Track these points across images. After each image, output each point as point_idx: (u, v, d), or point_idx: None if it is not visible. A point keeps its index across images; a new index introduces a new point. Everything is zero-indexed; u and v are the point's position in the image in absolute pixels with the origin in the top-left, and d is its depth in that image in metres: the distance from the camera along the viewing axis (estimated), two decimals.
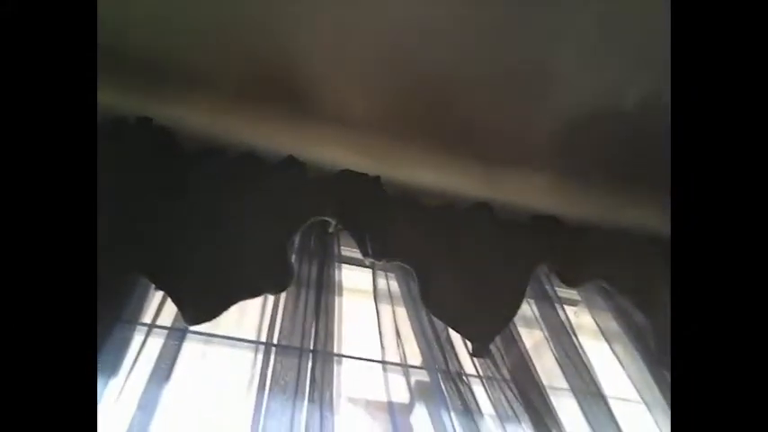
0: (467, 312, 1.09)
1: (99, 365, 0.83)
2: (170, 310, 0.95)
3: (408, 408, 1.01)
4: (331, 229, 1.15)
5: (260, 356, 0.96)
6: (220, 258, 1.00)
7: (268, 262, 1.03)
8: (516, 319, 1.12)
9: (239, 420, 0.87)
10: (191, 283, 0.95)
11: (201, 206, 1.05)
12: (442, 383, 1.02)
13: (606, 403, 1.05)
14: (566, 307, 1.19)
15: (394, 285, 1.14)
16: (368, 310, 1.09)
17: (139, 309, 0.96)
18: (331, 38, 1.04)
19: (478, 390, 1.03)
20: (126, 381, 0.87)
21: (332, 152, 1.21)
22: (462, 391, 1.01)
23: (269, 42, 1.06)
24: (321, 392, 0.93)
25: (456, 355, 1.06)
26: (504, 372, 1.05)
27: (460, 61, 1.08)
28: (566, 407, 1.04)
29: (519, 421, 1.00)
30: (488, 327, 1.09)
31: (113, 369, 0.87)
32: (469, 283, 1.13)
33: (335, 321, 1.04)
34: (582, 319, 1.21)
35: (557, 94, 1.15)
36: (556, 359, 1.10)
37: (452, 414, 0.98)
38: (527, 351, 1.09)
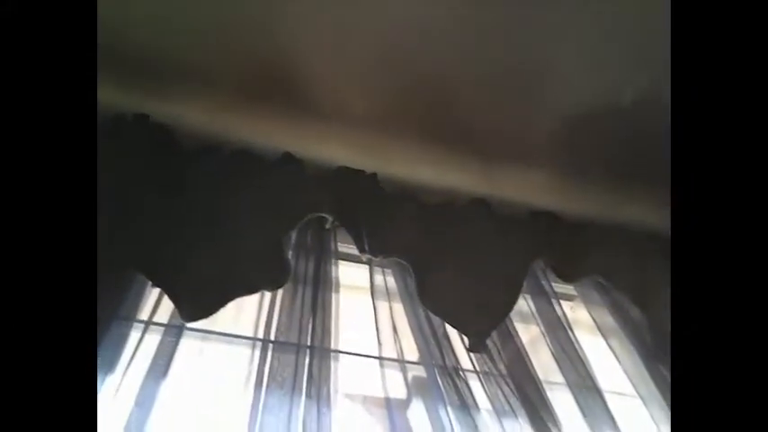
0: (463, 308, 1.09)
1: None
2: (167, 306, 0.95)
3: (405, 403, 1.02)
4: (328, 226, 1.15)
5: (257, 353, 0.96)
6: (217, 255, 1.00)
7: (265, 259, 1.03)
8: (513, 315, 1.12)
9: (237, 417, 0.88)
10: (188, 279, 0.95)
11: (199, 203, 1.05)
12: (438, 379, 1.02)
13: (602, 397, 1.06)
14: (562, 302, 1.19)
15: (391, 281, 1.15)
16: (365, 307, 1.10)
17: (136, 305, 0.96)
18: (329, 35, 1.04)
19: (475, 385, 1.03)
20: (123, 377, 0.87)
21: (329, 149, 1.21)
22: (459, 386, 1.02)
23: (267, 40, 1.05)
24: (318, 388, 0.94)
25: (453, 350, 1.07)
26: (501, 367, 1.06)
27: (458, 59, 1.08)
28: (562, 401, 1.05)
29: (516, 416, 1.01)
30: (485, 322, 1.09)
31: (110, 366, 0.87)
32: (466, 278, 1.13)
33: (332, 318, 1.04)
34: (578, 314, 1.21)
35: (555, 92, 1.15)
36: (552, 354, 1.11)
37: (449, 409, 0.98)
38: (523, 346, 1.10)
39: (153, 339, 0.93)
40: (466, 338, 1.07)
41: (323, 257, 1.12)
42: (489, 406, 1.01)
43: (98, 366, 0.84)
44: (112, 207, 0.95)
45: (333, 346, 1.00)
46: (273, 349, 0.97)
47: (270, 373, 0.93)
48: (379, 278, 1.15)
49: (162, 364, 0.90)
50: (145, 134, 1.08)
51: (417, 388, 1.02)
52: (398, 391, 1.01)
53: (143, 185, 1.03)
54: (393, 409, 0.98)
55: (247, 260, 1.02)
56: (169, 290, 0.94)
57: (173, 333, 0.94)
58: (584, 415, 1.04)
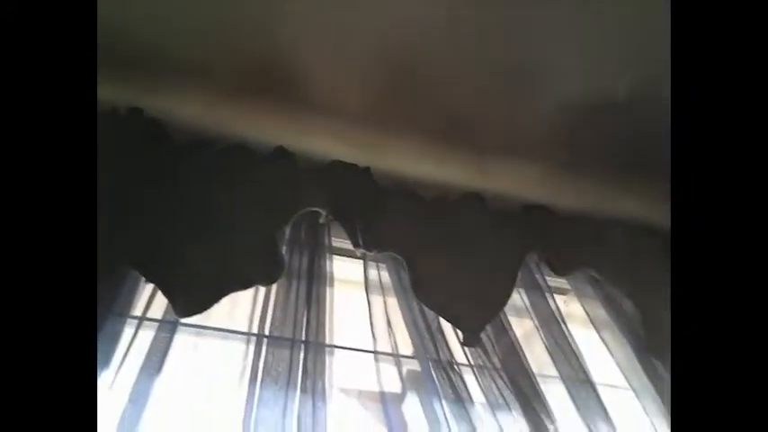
0: (457, 302, 1.09)
1: None
2: (161, 302, 0.95)
3: (400, 397, 1.02)
4: (322, 220, 1.15)
5: (251, 348, 0.96)
6: (211, 250, 1.00)
7: (259, 253, 1.03)
8: (506, 309, 1.12)
9: (231, 412, 0.88)
10: (181, 275, 0.95)
11: (192, 198, 1.05)
12: (433, 372, 1.02)
13: (595, 390, 1.07)
14: (555, 296, 1.20)
15: (385, 276, 1.15)
16: (359, 301, 1.10)
17: (130, 301, 0.96)
18: (322, 29, 1.04)
19: (469, 378, 1.04)
20: (117, 373, 0.87)
21: (322, 143, 1.21)
22: (453, 379, 1.02)
23: (260, 34, 1.05)
24: (313, 383, 0.94)
25: (447, 344, 1.07)
26: (495, 360, 1.06)
27: (452, 52, 1.08)
28: (555, 394, 1.06)
29: (509, 409, 1.01)
30: (479, 316, 1.09)
31: (105, 362, 0.87)
32: (460, 272, 1.13)
33: (327, 312, 1.04)
34: (571, 307, 1.22)
35: (549, 86, 1.15)
36: (546, 347, 1.11)
37: (444, 403, 0.99)
38: (517, 340, 1.10)
39: (147, 335, 0.92)
40: (460, 332, 1.07)
41: (317, 252, 1.12)
42: (483, 399, 1.02)
43: None
44: (106, 202, 0.94)
45: (327, 341, 1.00)
46: (268, 344, 0.96)
47: (264, 367, 0.93)
48: (373, 272, 1.15)
49: (156, 359, 0.90)
50: (138, 129, 1.08)
51: (412, 382, 1.03)
52: (393, 385, 1.01)
53: (136, 180, 1.02)
54: (388, 402, 0.98)
55: (241, 255, 1.01)
56: (163, 285, 0.94)
57: (167, 329, 0.94)
58: (578, 407, 1.05)
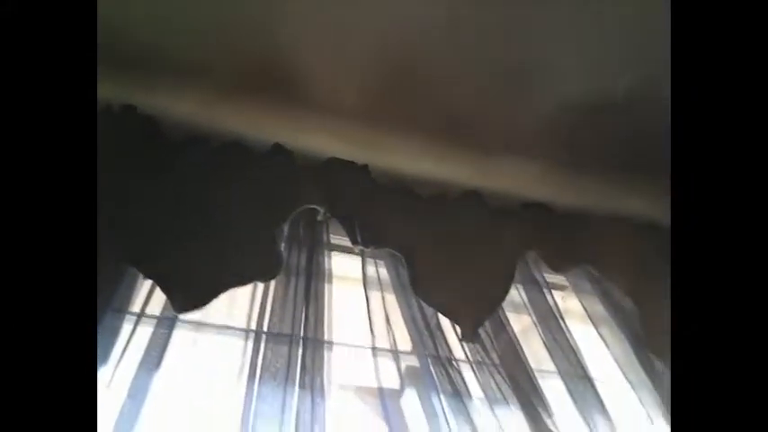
0: (456, 298, 1.10)
1: None
2: (159, 298, 0.95)
3: (399, 393, 1.02)
4: (320, 217, 1.15)
5: (250, 344, 0.97)
6: (209, 247, 1.00)
7: (257, 250, 1.03)
8: (505, 305, 1.13)
9: (230, 408, 0.88)
10: (180, 271, 0.95)
11: (190, 195, 1.05)
12: (431, 368, 1.02)
13: (593, 385, 1.07)
14: (553, 292, 1.20)
15: (383, 272, 1.15)
16: (357, 297, 1.10)
17: (128, 297, 0.96)
18: (319, 27, 1.04)
19: (468, 374, 1.04)
20: (116, 369, 0.87)
21: (320, 140, 1.21)
22: (452, 375, 1.02)
23: (257, 32, 1.05)
24: (312, 379, 0.94)
25: (445, 340, 1.07)
26: (494, 356, 1.07)
27: (451, 51, 1.08)
28: (553, 389, 1.06)
29: (508, 404, 1.02)
30: (477, 312, 1.10)
31: (103, 358, 0.87)
32: (458, 269, 1.14)
33: (325, 308, 1.04)
34: (569, 303, 1.22)
35: (549, 85, 1.15)
36: (544, 343, 1.12)
37: (442, 398, 0.99)
38: (515, 335, 1.10)
39: (145, 331, 0.92)
40: (458, 328, 1.07)
41: (315, 249, 1.12)
42: (482, 394, 1.02)
43: None
44: (103, 199, 0.94)
45: (326, 337, 1.00)
46: (266, 340, 0.97)
47: (263, 364, 0.93)
48: (371, 269, 1.15)
49: (155, 355, 0.90)
50: (133, 126, 1.08)
51: (410, 377, 1.03)
52: (392, 380, 1.01)
53: (134, 178, 1.02)
54: (386, 398, 0.98)
55: (239, 252, 1.01)
56: (161, 282, 0.94)
57: (165, 325, 0.94)
58: (575, 402, 1.05)
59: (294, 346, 0.97)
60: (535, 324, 1.15)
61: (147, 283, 0.96)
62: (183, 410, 0.92)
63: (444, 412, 0.97)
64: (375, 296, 1.11)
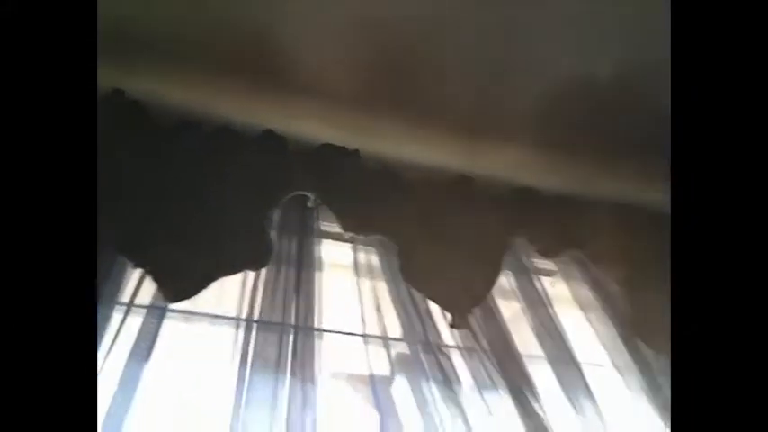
0: (446, 285, 1.10)
1: None
2: (149, 288, 0.94)
3: (389, 379, 1.03)
4: (310, 204, 1.14)
5: (241, 333, 0.96)
6: (199, 235, 0.99)
7: (247, 238, 1.03)
8: (494, 291, 1.13)
9: (221, 397, 0.88)
10: (169, 260, 0.94)
11: (179, 182, 1.03)
12: (422, 355, 1.03)
13: (580, 370, 1.09)
14: (542, 277, 1.21)
15: (374, 259, 1.15)
16: (348, 285, 1.10)
17: (118, 287, 0.95)
18: (312, 11, 1.02)
19: (458, 360, 1.05)
20: (106, 359, 0.86)
21: (311, 126, 1.20)
22: (442, 361, 1.03)
23: (249, 16, 1.03)
24: (303, 367, 0.94)
25: (435, 326, 1.08)
26: (483, 342, 1.07)
27: (441, 37, 1.07)
28: (542, 374, 1.07)
29: (497, 389, 1.03)
30: (467, 299, 1.10)
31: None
32: (448, 255, 1.14)
33: (316, 296, 1.04)
34: (558, 288, 1.23)
35: (536, 68, 1.15)
36: (532, 329, 1.13)
37: (432, 384, 1.00)
38: (505, 322, 1.11)
39: (135, 321, 0.92)
40: (448, 315, 1.08)
41: (305, 236, 1.12)
42: (471, 380, 1.03)
43: None
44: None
45: (316, 325, 1.01)
46: (257, 329, 0.97)
47: (254, 352, 0.94)
48: (362, 256, 1.15)
49: (145, 345, 0.89)
50: (122, 110, 1.06)
51: (401, 364, 1.04)
52: (382, 367, 1.02)
53: (122, 164, 1.01)
54: (377, 385, 0.99)
55: (229, 240, 1.01)
56: (151, 271, 0.93)
57: (155, 314, 0.94)
58: (563, 387, 1.07)
59: (285, 335, 0.97)
60: (524, 310, 1.15)
61: (137, 273, 0.95)
62: (174, 400, 0.92)
63: (434, 399, 0.98)
64: (365, 283, 1.11)
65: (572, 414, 1.04)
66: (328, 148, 1.17)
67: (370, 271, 1.13)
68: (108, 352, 0.88)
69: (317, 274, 1.07)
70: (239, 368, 0.91)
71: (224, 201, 1.04)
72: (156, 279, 0.93)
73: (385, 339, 1.05)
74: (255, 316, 0.98)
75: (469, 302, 1.10)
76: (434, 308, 1.09)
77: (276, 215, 1.11)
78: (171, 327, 0.95)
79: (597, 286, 1.22)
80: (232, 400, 0.88)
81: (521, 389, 1.03)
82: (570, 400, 1.06)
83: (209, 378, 0.93)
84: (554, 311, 1.15)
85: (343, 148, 1.18)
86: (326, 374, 0.99)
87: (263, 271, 1.03)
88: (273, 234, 1.08)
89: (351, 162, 1.17)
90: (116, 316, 0.92)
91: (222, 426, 0.85)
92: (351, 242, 1.15)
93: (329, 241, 1.16)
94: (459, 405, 0.99)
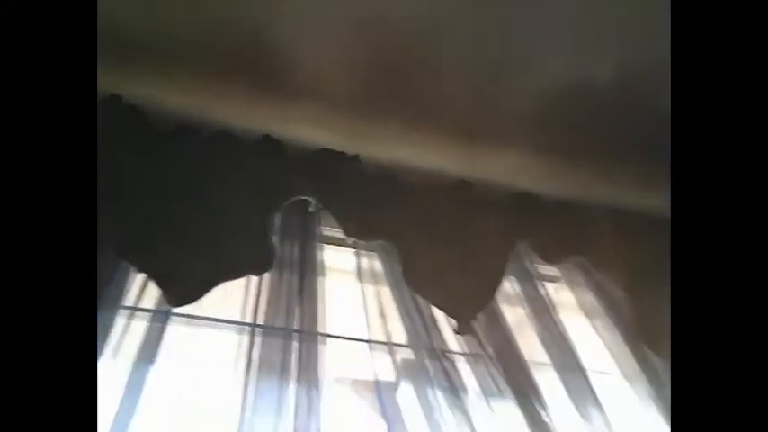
0: (449, 291, 1.09)
1: None
2: (153, 292, 0.93)
3: (394, 386, 1.02)
4: (311, 209, 1.14)
5: (245, 338, 0.95)
6: (200, 239, 0.99)
7: (249, 243, 1.02)
8: (498, 297, 1.13)
9: (226, 402, 0.87)
10: (172, 265, 0.93)
11: (178, 187, 1.03)
12: (427, 361, 1.02)
13: (586, 377, 1.08)
14: (546, 283, 1.20)
15: (377, 264, 1.14)
16: (351, 290, 1.09)
17: (121, 291, 0.94)
18: (311, 16, 1.02)
19: (463, 366, 1.04)
20: (111, 364, 0.85)
21: (311, 131, 1.20)
22: (447, 368, 1.02)
23: (244, 18, 1.03)
24: (307, 372, 0.93)
25: (440, 332, 1.07)
26: (488, 348, 1.06)
27: (440, 41, 1.07)
28: (548, 381, 1.06)
29: (502, 396, 1.02)
30: (471, 304, 1.10)
31: (98, 352, 0.85)
32: (451, 261, 1.13)
33: (319, 301, 1.03)
34: (562, 295, 1.22)
35: (537, 72, 1.14)
36: (538, 335, 1.12)
37: (438, 391, 0.99)
38: (509, 328, 1.10)
39: (139, 325, 0.91)
40: (453, 321, 1.07)
41: (307, 241, 1.11)
42: (477, 387, 1.02)
43: None
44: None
45: (320, 330, 0.99)
46: (261, 334, 0.96)
47: (258, 357, 0.93)
48: (364, 261, 1.14)
49: (150, 349, 0.89)
50: (120, 116, 1.05)
51: (406, 370, 1.03)
52: (387, 373, 1.01)
53: (121, 169, 1.00)
54: (382, 391, 0.98)
55: (231, 245, 1.00)
56: (153, 275, 0.92)
57: (159, 318, 0.93)
58: (569, 394, 1.06)
59: (289, 340, 0.96)
60: (529, 316, 1.14)
61: (140, 277, 0.95)
62: (179, 405, 0.91)
63: (440, 405, 0.97)
64: (369, 289, 1.10)
65: (579, 422, 1.03)
66: (328, 153, 1.16)
67: (374, 276, 1.12)
68: (113, 356, 0.87)
69: (319, 279, 1.06)
70: (244, 373, 0.90)
71: (225, 205, 1.04)
72: (158, 284, 0.92)
73: (389, 345, 1.04)
74: (259, 321, 0.97)
75: (473, 308, 1.09)
76: (439, 314, 1.08)
77: (277, 220, 1.10)
78: (175, 331, 0.94)
79: (602, 292, 1.21)
80: (237, 406, 0.86)
81: (527, 396, 1.02)
82: (577, 407, 1.04)
83: (214, 383, 0.92)
84: (559, 318, 1.14)
85: (343, 152, 1.18)
86: (331, 380, 0.98)
87: (266, 276, 1.02)
88: (275, 239, 1.07)
89: (351, 166, 1.17)
90: (120, 320, 0.91)
91: (227, 431, 0.84)
92: (353, 247, 1.14)
93: (332, 246, 1.15)
94: (465, 412, 0.97)
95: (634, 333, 1.14)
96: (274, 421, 0.86)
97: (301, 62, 1.11)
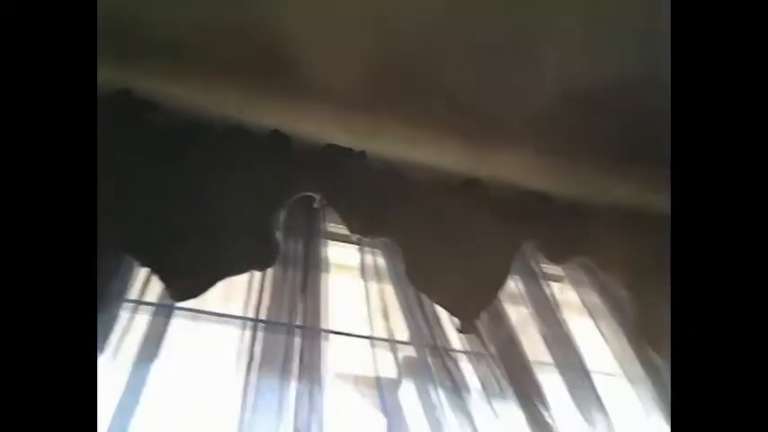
0: (453, 289, 1.09)
1: None
2: (156, 286, 0.93)
3: (396, 383, 1.01)
4: (316, 205, 1.14)
5: (247, 333, 0.95)
6: (206, 235, 0.99)
7: (253, 238, 1.02)
8: (502, 296, 1.12)
9: (228, 397, 0.87)
10: (176, 259, 0.94)
11: (185, 182, 1.03)
12: (429, 359, 1.02)
13: (589, 378, 1.07)
14: (551, 283, 1.20)
15: (381, 261, 1.14)
16: (355, 287, 1.09)
17: (125, 285, 0.94)
18: (320, 14, 1.02)
19: (465, 365, 1.04)
20: (114, 358, 0.86)
21: (318, 127, 1.20)
22: (449, 366, 1.02)
23: (255, 16, 1.03)
24: (309, 369, 0.93)
25: (443, 330, 1.07)
26: (491, 347, 1.06)
27: (448, 39, 1.07)
28: (550, 381, 1.06)
29: (504, 396, 1.01)
30: (475, 303, 1.09)
31: (100, 347, 0.86)
32: (456, 259, 1.13)
33: (322, 298, 1.03)
34: (566, 295, 1.22)
35: (546, 72, 1.14)
36: (541, 335, 1.11)
37: (440, 389, 0.99)
38: (513, 327, 1.10)
39: (143, 319, 0.91)
40: (456, 319, 1.07)
41: (312, 237, 1.11)
42: (479, 386, 1.02)
43: None
44: (98, 186, 0.92)
45: (323, 327, 0.99)
46: (264, 329, 0.96)
47: (260, 353, 0.93)
48: (368, 258, 1.14)
49: (152, 344, 0.89)
50: (129, 110, 1.05)
51: (408, 368, 1.02)
52: (389, 370, 1.01)
53: (129, 164, 1.00)
54: (384, 388, 0.98)
55: (236, 240, 1.00)
56: (158, 270, 0.92)
57: (163, 313, 0.93)
58: (572, 395, 1.05)
59: (291, 336, 0.96)
60: (532, 316, 1.14)
61: (144, 271, 0.95)
62: (181, 399, 0.91)
63: (441, 404, 0.96)
64: (372, 285, 1.10)
65: (582, 423, 1.02)
66: (334, 149, 1.16)
67: (377, 273, 1.12)
68: (116, 350, 0.87)
69: (323, 276, 1.06)
70: (246, 369, 0.90)
71: (230, 201, 1.04)
72: (161, 278, 0.92)
73: (392, 342, 1.03)
74: (262, 316, 0.97)
75: (477, 307, 1.09)
76: (442, 312, 1.08)
77: (282, 216, 1.10)
78: (178, 325, 0.94)
79: (606, 293, 1.20)
80: (238, 401, 0.87)
81: (529, 396, 1.02)
82: (580, 408, 1.04)
83: (216, 378, 0.92)
84: (563, 317, 1.13)
85: (350, 149, 1.17)
86: (333, 376, 0.97)
87: (270, 271, 1.02)
88: (279, 235, 1.07)
89: (357, 163, 1.17)
90: (123, 314, 0.92)
91: (228, 427, 0.84)
92: (357, 244, 1.14)
93: (336, 243, 1.15)
94: (466, 411, 0.97)
95: (638, 334, 1.13)
96: (275, 418, 0.86)
97: (310, 59, 1.11)
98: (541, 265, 1.22)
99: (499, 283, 1.13)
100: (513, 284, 1.17)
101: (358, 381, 1.04)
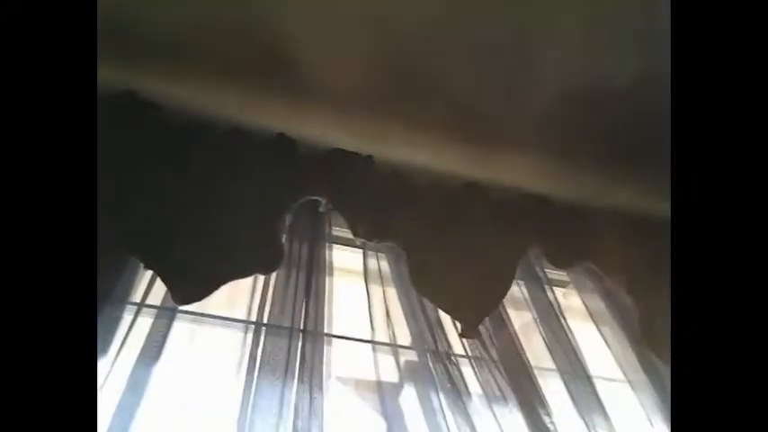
0: (457, 294, 1.09)
1: None
2: (160, 289, 0.94)
3: (397, 388, 1.02)
4: (322, 209, 1.14)
5: (250, 336, 0.96)
6: (210, 238, 0.99)
7: (258, 242, 1.02)
8: (505, 301, 1.12)
9: (229, 400, 0.88)
10: (180, 262, 0.94)
11: (191, 184, 1.04)
12: (431, 364, 1.02)
13: (592, 384, 1.07)
14: (555, 288, 1.20)
15: (384, 266, 1.14)
16: (358, 291, 1.10)
17: (129, 288, 0.95)
18: (325, 18, 1.02)
19: (467, 370, 1.04)
20: (115, 360, 0.87)
21: (324, 131, 1.20)
22: (451, 371, 1.02)
23: (255, 16, 1.03)
24: (311, 372, 0.94)
25: (445, 335, 1.07)
26: (493, 353, 1.06)
27: (452, 43, 1.07)
28: (553, 387, 1.06)
29: (506, 402, 1.01)
30: (478, 308, 1.09)
31: (103, 349, 0.87)
32: (460, 264, 1.13)
33: (326, 301, 1.04)
34: (570, 300, 1.22)
35: (546, 72, 1.13)
36: (544, 340, 1.11)
37: (441, 394, 0.99)
38: (516, 332, 1.10)
39: (145, 322, 0.92)
40: (459, 324, 1.07)
41: (317, 241, 1.11)
42: (481, 391, 1.02)
43: None
44: (102, 188, 0.93)
45: (326, 330, 1.00)
46: (266, 333, 0.96)
47: (262, 356, 0.93)
48: (372, 262, 1.14)
49: (154, 346, 0.90)
50: (133, 111, 1.06)
51: (409, 373, 1.03)
52: (391, 375, 1.01)
53: (133, 165, 1.01)
54: (385, 393, 0.98)
55: (240, 243, 1.01)
56: (162, 272, 0.93)
57: (166, 316, 0.94)
58: (574, 401, 1.05)
59: (294, 339, 0.97)
60: (536, 321, 1.14)
61: (148, 274, 0.96)
62: (182, 402, 0.92)
63: (443, 409, 0.97)
64: (376, 290, 1.10)
65: (583, 429, 1.02)
66: (340, 153, 1.17)
67: (381, 277, 1.13)
68: (118, 352, 0.88)
69: (327, 280, 1.06)
70: (247, 372, 0.91)
71: (235, 204, 1.04)
72: (165, 281, 0.93)
73: (394, 347, 1.04)
74: (265, 320, 0.98)
75: (480, 312, 1.09)
76: (444, 317, 1.08)
77: (287, 219, 1.11)
78: (181, 328, 0.95)
79: (610, 299, 1.20)
80: (239, 404, 0.87)
81: (531, 401, 1.02)
82: (582, 415, 1.04)
83: (218, 381, 0.93)
84: (566, 323, 1.13)
85: (356, 153, 1.18)
86: (334, 380, 0.98)
87: (274, 275, 1.03)
88: (284, 238, 1.08)
89: (363, 167, 1.17)
90: (127, 316, 0.93)
91: (228, 430, 0.85)
92: (362, 248, 1.14)
93: (340, 246, 1.16)
94: (467, 416, 0.97)
95: (641, 340, 1.12)
96: (276, 421, 0.87)
97: (310, 59, 1.11)
98: (546, 269, 1.22)
99: (503, 288, 1.13)
100: (517, 289, 1.17)
101: (359, 385, 1.04)
